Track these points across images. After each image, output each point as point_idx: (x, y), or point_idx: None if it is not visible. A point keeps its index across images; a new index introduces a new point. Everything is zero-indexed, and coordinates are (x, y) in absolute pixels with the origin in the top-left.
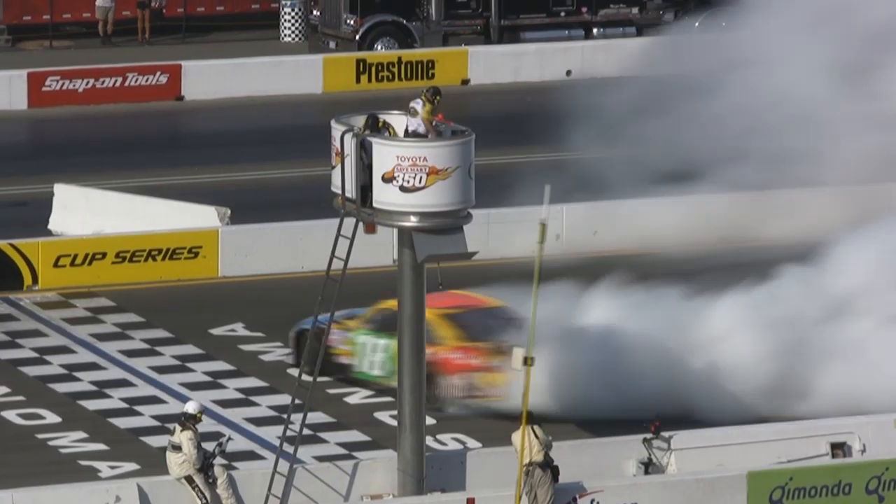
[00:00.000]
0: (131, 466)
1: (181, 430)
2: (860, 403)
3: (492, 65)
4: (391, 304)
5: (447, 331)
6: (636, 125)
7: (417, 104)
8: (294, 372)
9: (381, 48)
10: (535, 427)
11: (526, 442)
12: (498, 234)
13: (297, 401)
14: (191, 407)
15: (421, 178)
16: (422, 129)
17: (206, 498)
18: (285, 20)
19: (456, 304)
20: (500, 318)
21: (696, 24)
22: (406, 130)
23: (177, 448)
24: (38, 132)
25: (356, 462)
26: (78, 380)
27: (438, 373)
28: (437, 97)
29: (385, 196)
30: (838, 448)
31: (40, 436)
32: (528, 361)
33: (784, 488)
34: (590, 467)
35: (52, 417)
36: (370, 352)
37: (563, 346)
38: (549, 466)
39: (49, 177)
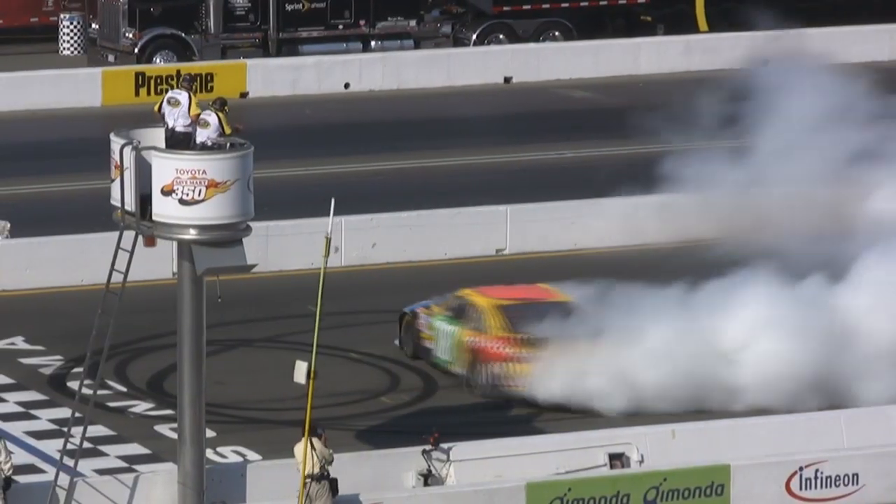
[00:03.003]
0: None
1: None
2: None
3: (270, 78)
4: (469, 292)
5: (495, 320)
6: None
7: (209, 116)
8: (75, 385)
9: (160, 61)
10: (316, 440)
11: (308, 453)
12: (277, 246)
13: (77, 414)
14: None
15: (200, 190)
16: (210, 142)
17: None
18: (64, 33)
19: (519, 296)
20: (557, 312)
21: (474, 36)
22: (193, 141)
23: None
24: None
25: (136, 475)
26: None
27: (478, 360)
28: (226, 107)
29: (164, 209)
30: (616, 459)
31: None
32: (311, 374)
33: (563, 499)
34: (369, 479)
35: None
36: (442, 337)
37: None
38: (325, 479)
39: None
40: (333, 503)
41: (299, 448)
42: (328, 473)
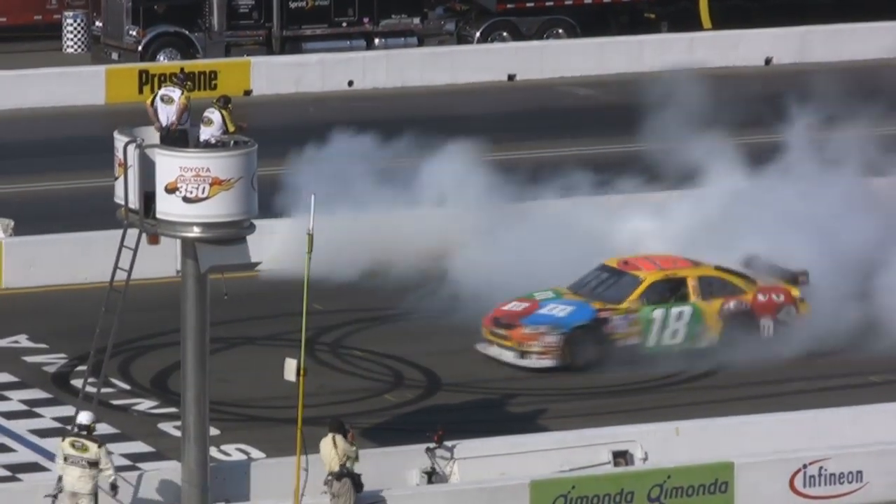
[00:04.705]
0: None
1: (98, 446)
2: None
3: (274, 75)
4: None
5: (740, 281)
6: None
7: (212, 114)
8: (78, 383)
9: (164, 59)
10: (339, 437)
11: (330, 451)
12: (281, 244)
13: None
14: (85, 417)
15: (204, 188)
16: (213, 140)
17: None
18: (68, 31)
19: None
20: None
21: (478, 34)
22: (198, 140)
23: (93, 464)
24: None
25: (140, 473)
26: None
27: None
28: (229, 104)
29: (168, 207)
30: (620, 456)
31: None
32: (300, 372)
33: (567, 497)
34: (373, 476)
35: None
36: (665, 323)
37: None
38: (346, 476)
39: None
40: (357, 499)
41: (325, 444)
42: (350, 470)
